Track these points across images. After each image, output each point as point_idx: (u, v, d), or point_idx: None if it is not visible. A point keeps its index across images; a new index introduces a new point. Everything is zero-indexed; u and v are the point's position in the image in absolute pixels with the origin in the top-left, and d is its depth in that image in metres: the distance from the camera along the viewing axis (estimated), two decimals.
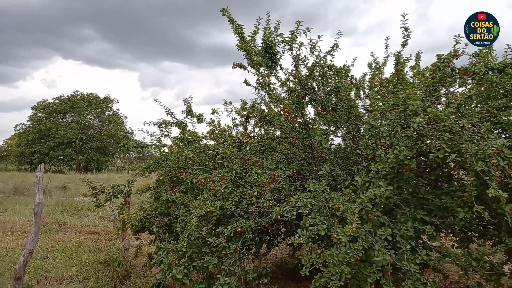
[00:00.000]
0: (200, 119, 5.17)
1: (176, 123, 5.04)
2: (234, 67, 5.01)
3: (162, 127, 4.89)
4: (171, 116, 5.03)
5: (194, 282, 3.51)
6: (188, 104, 5.17)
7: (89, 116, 39.53)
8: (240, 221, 3.59)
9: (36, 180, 4.05)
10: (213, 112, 5.08)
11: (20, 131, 37.41)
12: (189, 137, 4.29)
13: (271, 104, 5.30)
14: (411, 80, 4.80)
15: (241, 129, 5.41)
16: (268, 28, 4.18)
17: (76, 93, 39.26)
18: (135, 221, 4.52)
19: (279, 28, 4.53)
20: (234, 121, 5.51)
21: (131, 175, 4.89)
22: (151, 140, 5.04)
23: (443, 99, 3.91)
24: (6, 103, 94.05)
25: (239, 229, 3.48)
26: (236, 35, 4.54)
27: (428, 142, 3.68)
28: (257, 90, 5.09)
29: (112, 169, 40.32)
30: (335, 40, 4.29)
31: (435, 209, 3.66)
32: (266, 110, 5.27)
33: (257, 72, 4.89)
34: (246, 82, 5.13)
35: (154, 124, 5.06)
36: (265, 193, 3.73)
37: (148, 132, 4.80)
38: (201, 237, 3.53)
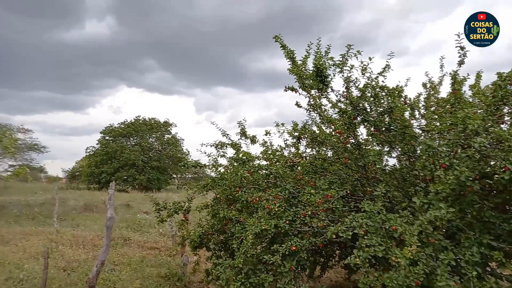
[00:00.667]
0: (253, 140, 5.40)
1: (231, 144, 5.31)
2: (286, 90, 5.21)
3: (218, 148, 5.18)
4: (226, 137, 5.32)
5: None
6: (242, 126, 5.44)
7: (150, 139, 42.21)
8: (294, 240, 3.66)
9: (107, 197, 4.49)
10: (266, 133, 5.29)
11: (90, 153, 40.94)
12: (243, 157, 4.50)
13: (322, 125, 5.38)
14: (470, 100, 4.61)
15: (293, 149, 5.53)
16: (319, 52, 4.33)
17: (138, 118, 42.29)
18: (194, 237, 4.77)
19: (329, 52, 4.66)
20: (285, 142, 5.67)
21: (190, 193, 5.21)
22: (208, 160, 5.35)
23: (507, 118, 3.71)
24: (78, 128, 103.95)
25: (293, 248, 3.55)
26: (288, 59, 4.75)
27: (492, 163, 3.50)
28: (308, 111, 5.22)
29: (170, 189, 42.24)
30: (387, 61, 4.31)
31: (504, 234, 3.43)
32: (317, 131, 5.36)
33: (308, 95, 5.03)
34: (297, 104, 5.28)
35: (211, 145, 5.38)
36: (319, 213, 3.77)
37: (205, 153, 5.12)
38: (257, 255, 3.64)
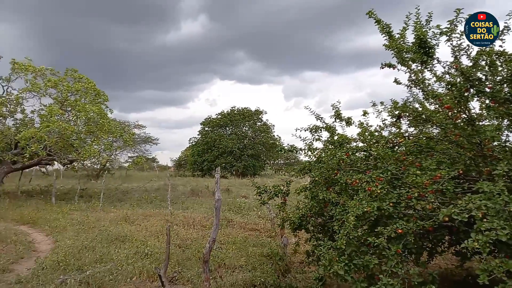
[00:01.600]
0: (348, 122, 5.26)
1: (326, 127, 5.26)
2: (382, 67, 4.94)
3: (313, 131, 5.19)
4: (320, 121, 5.29)
5: (355, 280, 3.60)
6: (336, 109, 5.34)
7: (244, 127, 44.22)
8: (399, 222, 3.51)
9: (214, 181, 4.93)
10: (364, 113, 5.09)
11: (193, 144, 44.78)
12: (340, 140, 4.44)
13: (425, 101, 4.96)
14: None
15: (392, 129, 5.23)
16: (419, 22, 3.98)
17: (233, 108, 44.53)
18: (294, 219, 4.91)
19: (431, 20, 4.26)
20: (383, 122, 5.38)
21: (287, 177, 5.36)
22: (303, 144, 5.41)
23: None
24: (181, 121, 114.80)
25: (399, 231, 3.41)
26: (384, 34, 4.48)
27: None
28: (409, 88, 4.86)
29: (264, 174, 43.78)
30: (505, 23, 3.74)
31: None
32: (420, 108, 4.97)
33: (408, 70, 4.69)
34: (396, 81, 4.96)
35: (305, 130, 5.41)
36: (426, 194, 3.53)
37: (300, 137, 5.19)
38: (359, 237, 3.60)
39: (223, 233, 9.79)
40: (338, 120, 5.26)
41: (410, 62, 4.45)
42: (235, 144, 39.94)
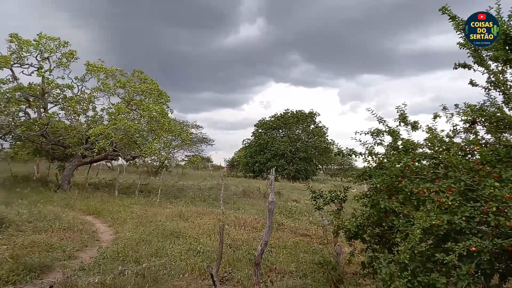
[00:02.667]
0: (415, 126, 4.88)
1: (389, 131, 4.93)
2: (456, 68, 4.54)
3: (374, 135, 4.89)
4: (383, 124, 4.97)
5: None
6: (402, 111, 4.98)
7: (297, 130, 43.85)
8: (473, 239, 3.13)
9: (268, 182, 4.86)
10: (435, 117, 4.67)
11: (246, 145, 45.40)
12: (407, 145, 4.11)
13: (504, 105, 4.44)
14: None
15: (464, 135, 4.74)
16: (500, 18, 3.56)
17: (287, 111, 44.39)
18: (351, 227, 4.66)
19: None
20: (455, 127, 4.90)
21: (344, 183, 5.12)
22: (363, 148, 5.11)
23: None
24: (235, 123, 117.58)
25: (473, 248, 3.05)
26: (459, 32, 4.08)
27: None
28: (486, 90, 4.37)
29: (316, 179, 42.97)
30: None
31: None
32: (498, 114, 4.44)
33: (487, 70, 4.23)
34: (472, 83, 4.49)
35: (365, 133, 5.13)
36: (506, 209, 3.12)
37: (360, 141, 4.91)
38: (424, 252, 3.27)
39: (274, 237, 9.68)
40: (403, 124, 4.90)
41: (489, 62, 4.00)
42: (288, 146, 39.77)
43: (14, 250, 6.82)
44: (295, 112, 44.23)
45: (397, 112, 5.02)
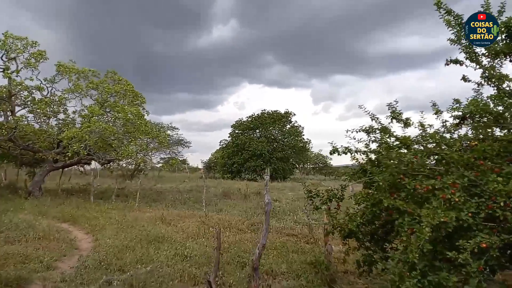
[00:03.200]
0: (407, 123, 4.88)
1: (381, 129, 4.91)
2: (448, 64, 4.58)
3: (369, 132, 4.85)
4: (375, 121, 4.94)
5: None
6: (393, 109, 4.97)
7: (273, 130, 43.94)
8: (480, 235, 3.12)
9: (264, 183, 4.72)
10: (436, 112, 4.65)
11: (223, 146, 45.03)
12: (406, 141, 4.08)
13: (496, 100, 4.50)
14: None
15: (458, 132, 4.79)
16: (502, 12, 3.59)
17: (263, 111, 44.41)
18: (352, 226, 4.57)
19: (504, 11, 3.88)
20: (444, 123, 4.94)
21: (341, 181, 5.05)
22: (363, 145, 5.05)
23: None
24: (210, 124, 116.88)
25: (483, 245, 3.03)
26: (454, 27, 4.10)
27: None
28: (479, 86, 4.43)
29: (294, 178, 43.25)
30: None
31: None
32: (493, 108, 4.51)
33: (479, 66, 4.30)
34: (464, 78, 4.54)
35: (357, 131, 5.09)
36: None
37: (354, 138, 4.86)
38: (433, 250, 3.23)
39: (259, 237, 9.55)
40: (396, 121, 4.88)
41: (481, 58, 4.04)
42: (265, 147, 39.78)
43: None
44: (271, 113, 44.32)
45: (389, 109, 5.01)
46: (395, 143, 4.40)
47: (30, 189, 17.02)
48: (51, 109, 17.93)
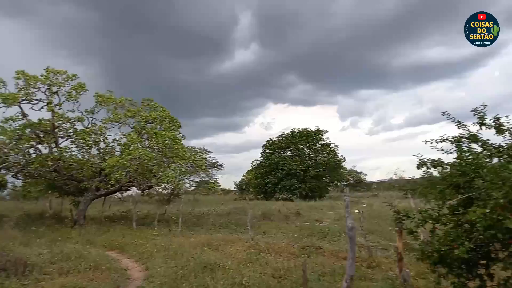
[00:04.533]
0: (499, 130, 4.32)
1: (470, 137, 4.37)
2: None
3: (459, 142, 4.33)
4: (463, 129, 4.42)
5: None
6: (481, 114, 4.43)
7: (304, 149, 43.20)
8: None
9: (344, 204, 4.27)
10: None
11: (255, 166, 44.68)
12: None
13: None
14: None
15: None
16: None
17: (293, 130, 43.92)
18: (460, 253, 3.89)
19: None
20: None
21: (425, 201, 4.51)
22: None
23: None
24: (237, 145, 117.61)
25: None
26: None
27: None
28: None
29: (330, 196, 41.98)
30: None
31: None
32: None
33: None
34: None
35: (440, 141, 4.57)
36: None
37: (442, 150, 4.35)
38: None
39: (315, 262, 8.96)
40: (485, 128, 4.35)
41: None
42: (298, 165, 39.09)
43: None
44: (301, 130, 43.76)
45: (474, 114, 4.48)
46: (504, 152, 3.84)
47: (75, 218, 17.29)
48: (92, 138, 18.38)
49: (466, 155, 4.09)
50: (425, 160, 4.39)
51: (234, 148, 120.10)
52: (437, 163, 4.30)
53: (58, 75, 17.95)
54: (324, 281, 7.32)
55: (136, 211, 18.96)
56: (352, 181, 58.34)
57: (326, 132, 43.90)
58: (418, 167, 4.44)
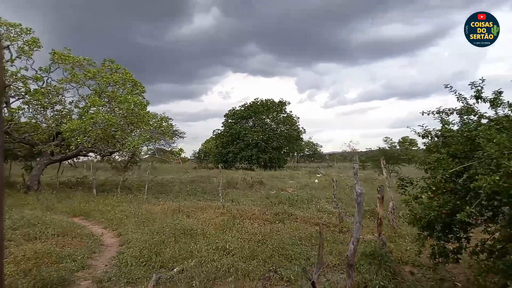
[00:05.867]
0: (494, 103, 4.56)
1: (466, 110, 4.58)
2: None
3: (463, 114, 4.50)
4: (462, 102, 4.60)
5: None
6: (478, 88, 4.63)
7: (267, 119, 43.41)
8: None
9: (353, 171, 4.34)
10: None
11: (216, 135, 44.31)
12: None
13: None
14: None
15: None
16: None
17: (256, 100, 43.77)
18: (462, 216, 4.15)
19: None
20: None
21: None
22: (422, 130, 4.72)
23: None
24: (195, 114, 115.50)
25: None
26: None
27: None
28: None
29: (288, 166, 43.08)
30: None
31: None
32: None
33: None
34: None
35: (436, 113, 4.74)
36: None
37: (446, 122, 4.50)
38: None
39: (290, 227, 9.21)
40: (482, 101, 4.56)
41: None
42: (260, 136, 39.36)
43: (18, 264, 5.74)
44: (264, 101, 43.75)
45: (471, 88, 4.67)
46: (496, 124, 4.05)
47: (28, 183, 16.17)
48: (48, 100, 16.93)
49: (471, 124, 4.29)
50: (430, 130, 4.55)
51: (191, 117, 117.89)
52: (427, 132, 4.48)
53: (11, 27, 16.05)
54: (302, 245, 7.57)
55: (91, 178, 18.11)
56: (308, 152, 60.31)
57: (289, 104, 44.28)
58: (423, 137, 4.60)
